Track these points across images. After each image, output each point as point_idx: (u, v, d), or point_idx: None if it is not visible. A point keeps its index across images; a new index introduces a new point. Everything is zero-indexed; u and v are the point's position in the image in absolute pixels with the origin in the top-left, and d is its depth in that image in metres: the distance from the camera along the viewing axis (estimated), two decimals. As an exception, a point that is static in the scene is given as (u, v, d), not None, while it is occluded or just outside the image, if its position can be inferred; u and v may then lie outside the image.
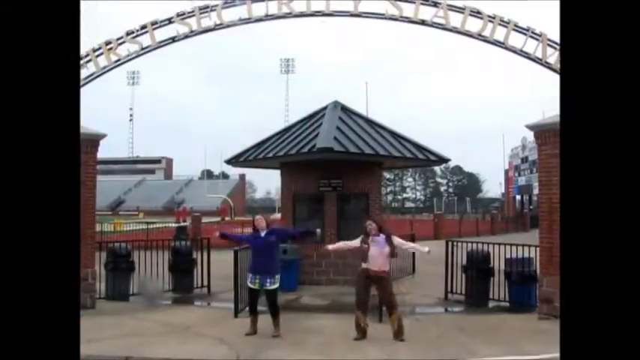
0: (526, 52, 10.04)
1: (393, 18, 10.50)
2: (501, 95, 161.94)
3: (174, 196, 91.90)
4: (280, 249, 8.54)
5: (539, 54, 9.91)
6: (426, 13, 10.40)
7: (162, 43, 10.72)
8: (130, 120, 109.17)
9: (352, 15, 10.73)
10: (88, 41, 10.54)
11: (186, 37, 10.75)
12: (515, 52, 10.11)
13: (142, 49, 10.64)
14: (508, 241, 11.42)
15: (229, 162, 14.76)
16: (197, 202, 77.39)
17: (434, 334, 8.33)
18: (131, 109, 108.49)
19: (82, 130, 9.87)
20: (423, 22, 10.43)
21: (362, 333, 7.88)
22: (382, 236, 8.02)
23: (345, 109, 14.32)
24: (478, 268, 10.85)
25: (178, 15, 10.61)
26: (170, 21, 10.62)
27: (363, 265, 7.99)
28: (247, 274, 8.44)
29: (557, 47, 9.67)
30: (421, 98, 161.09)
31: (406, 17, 10.47)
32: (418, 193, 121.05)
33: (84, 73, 10.46)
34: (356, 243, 8.18)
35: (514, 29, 10.05)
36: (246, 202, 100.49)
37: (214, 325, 8.84)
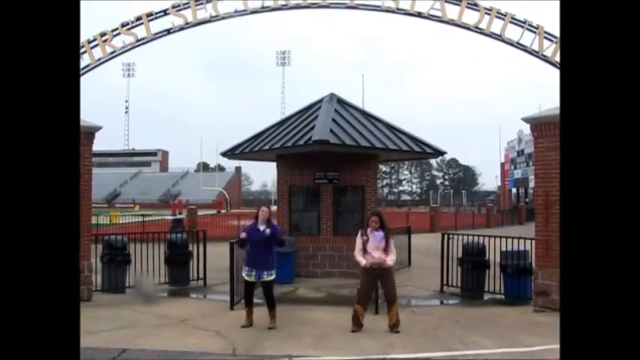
0: (523, 45, 10.03)
1: (389, 10, 10.48)
2: (498, 88, 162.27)
3: (170, 188, 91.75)
4: (276, 242, 8.49)
5: (535, 47, 9.91)
6: (423, 5, 10.41)
7: (157, 35, 10.68)
8: (126, 112, 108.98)
9: (348, 7, 10.71)
10: (82, 33, 10.47)
11: (181, 28, 10.71)
12: (512, 44, 10.11)
13: (137, 40, 10.60)
14: (504, 234, 11.46)
15: (225, 154, 14.74)
16: (193, 195, 77.30)
17: (430, 326, 8.35)
18: (127, 101, 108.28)
19: (77, 123, 9.88)
20: (419, 15, 10.42)
21: (359, 326, 7.90)
22: (381, 232, 8.04)
23: (341, 101, 14.30)
24: (474, 260, 10.89)
25: (174, 7, 10.56)
26: (165, 13, 10.58)
27: (364, 262, 7.99)
28: (243, 266, 8.44)
29: (554, 40, 9.68)
30: (417, 91, 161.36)
31: (403, 9, 10.45)
32: (414, 186, 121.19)
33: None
34: (359, 241, 8.16)
35: (511, 22, 10.05)
36: (242, 194, 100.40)
37: (210, 317, 8.85)
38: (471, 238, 11.35)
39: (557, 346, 3.43)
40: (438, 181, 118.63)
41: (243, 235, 8.34)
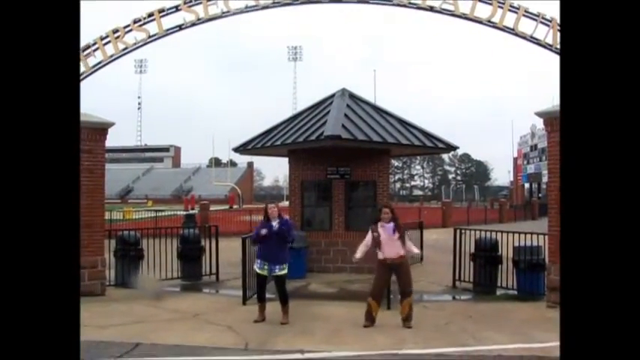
0: (536, 39, 9.93)
1: (401, 4, 10.42)
2: (511, 82, 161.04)
3: (182, 184, 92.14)
4: (286, 239, 8.50)
5: (549, 40, 9.80)
6: (435, -1, 10.31)
7: (169, 31, 10.71)
8: (139, 108, 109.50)
9: (360, 1, 10.67)
10: (95, 29, 10.55)
11: (193, 24, 10.72)
12: (525, 38, 10.01)
13: (149, 37, 10.64)
14: (516, 229, 11.39)
15: (237, 150, 14.75)
16: (205, 190, 77.55)
17: (442, 321, 8.34)
18: (139, 97, 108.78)
19: (90, 119, 9.98)
20: (431, 9, 10.35)
21: (371, 321, 7.90)
22: (392, 224, 8.02)
23: (353, 96, 14.25)
24: (486, 256, 10.84)
25: (185, 3, 10.58)
26: (177, 9, 10.60)
27: (380, 256, 8.00)
28: (256, 259, 8.47)
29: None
30: (429, 86, 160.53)
31: (414, 4, 10.39)
32: (426, 181, 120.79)
33: (91, 61, 10.49)
34: (369, 236, 8.16)
35: (524, 15, 9.95)
36: (254, 189, 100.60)
37: (223, 312, 8.89)
38: (483, 233, 11.29)
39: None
40: (450, 176, 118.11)
41: (264, 231, 8.21)
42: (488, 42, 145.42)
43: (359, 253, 8.18)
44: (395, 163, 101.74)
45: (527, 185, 71.08)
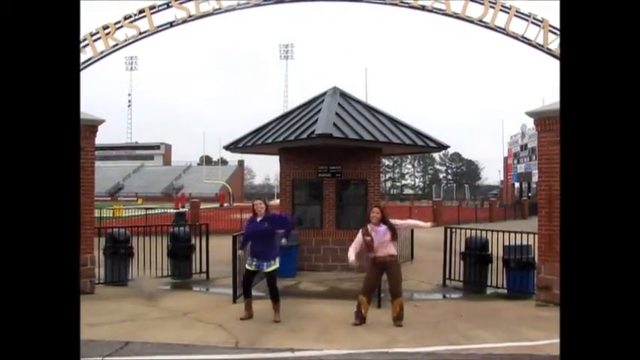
0: (527, 39, 9.96)
1: (392, 3, 10.42)
2: (501, 82, 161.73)
3: (173, 182, 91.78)
4: (278, 235, 8.49)
5: (540, 40, 9.84)
6: (427, -2, 10.32)
7: (160, 28, 10.64)
8: (129, 106, 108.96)
9: (352, 0, 10.64)
10: (85, 26, 10.45)
11: (184, 22, 10.66)
12: (516, 38, 10.04)
13: (140, 33, 10.56)
14: (506, 229, 11.44)
15: (228, 148, 14.72)
16: (196, 188, 77.33)
17: (432, 320, 8.36)
18: (129, 94, 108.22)
19: (80, 116, 9.88)
20: (423, 8, 10.36)
21: (361, 319, 7.90)
22: (383, 227, 8.01)
23: (344, 95, 14.26)
24: (476, 254, 10.89)
25: (176, 0, 10.51)
26: (168, 5, 10.54)
27: (371, 255, 8.01)
28: (247, 257, 8.47)
29: (559, 33, 9.61)
30: (420, 85, 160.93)
31: (406, 2, 10.40)
32: (417, 180, 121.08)
33: (81, 57, 10.39)
34: (360, 239, 8.14)
35: (515, 15, 9.97)
36: (245, 188, 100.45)
37: (213, 310, 8.87)
38: (473, 232, 11.33)
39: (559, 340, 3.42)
40: (441, 175, 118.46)
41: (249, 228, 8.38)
42: (479, 42, 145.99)
43: (352, 256, 8.04)
44: (386, 162, 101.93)
45: (517, 185, 71.45)
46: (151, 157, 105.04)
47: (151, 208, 30.79)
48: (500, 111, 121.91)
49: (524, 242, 10.36)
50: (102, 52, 10.47)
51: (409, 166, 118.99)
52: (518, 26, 10.02)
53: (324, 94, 14.31)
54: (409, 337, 7.33)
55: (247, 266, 8.34)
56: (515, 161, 70.07)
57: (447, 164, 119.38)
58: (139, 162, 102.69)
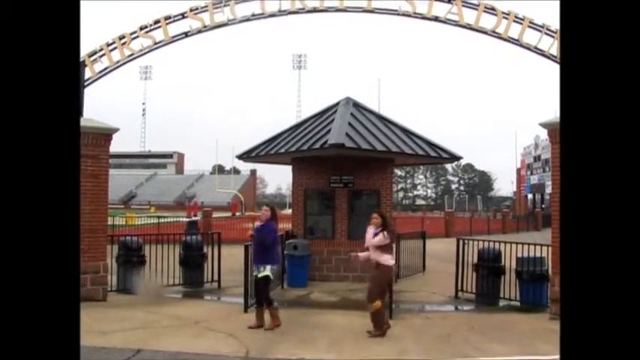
0: (541, 50, 9.94)
1: (406, 14, 10.46)
2: (514, 93, 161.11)
3: (185, 190, 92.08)
4: (276, 243, 8.59)
5: (554, 51, 9.81)
6: (440, 9, 10.34)
7: (175, 38, 10.75)
8: (143, 114, 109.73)
9: (365, 11, 10.68)
10: (101, 36, 10.62)
11: (199, 32, 10.77)
12: (529, 49, 10.02)
13: (155, 43, 10.68)
14: (519, 240, 11.35)
15: (241, 157, 14.78)
16: (208, 197, 77.56)
17: (444, 332, 8.29)
18: (144, 103, 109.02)
19: (95, 124, 10.02)
20: (436, 19, 10.37)
21: (381, 328, 7.81)
22: (376, 230, 8.03)
23: (357, 105, 14.28)
24: (489, 266, 10.79)
25: (191, 10, 10.63)
26: (183, 16, 10.65)
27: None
28: None
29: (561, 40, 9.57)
30: (433, 95, 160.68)
31: (419, 14, 10.42)
32: (429, 191, 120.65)
33: (98, 67, 10.54)
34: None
35: (529, 26, 9.96)
36: (257, 197, 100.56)
37: (224, 319, 8.87)
38: (486, 243, 11.25)
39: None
40: (453, 186, 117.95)
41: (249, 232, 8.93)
42: (492, 52, 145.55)
43: (363, 256, 8.29)
44: (398, 172, 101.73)
45: (530, 196, 70.95)
46: (163, 166, 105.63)
47: (164, 217, 30.91)
48: (514, 122, 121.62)
49: (538, 254, 10.26)
50: (118, 62, 10.60)
51: (421, 176, 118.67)
52: (531, 37, 10.01)
53: (337, 104, 14.34)
54: (420, 349, 7.29)
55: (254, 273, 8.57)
56: (529, 172, 69.63)
57: (460, 175, 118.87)
58: (152, 170, 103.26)
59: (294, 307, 10.17)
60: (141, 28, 10.65)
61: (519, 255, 10.43)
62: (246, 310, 9.29)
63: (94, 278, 9.87)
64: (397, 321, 8.25)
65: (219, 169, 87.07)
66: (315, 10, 10.72)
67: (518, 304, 10.29)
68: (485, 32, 10.22)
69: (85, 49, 9.77)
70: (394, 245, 8.50)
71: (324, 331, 8.16)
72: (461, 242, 11.57)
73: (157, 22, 10.64)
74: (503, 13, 10.05)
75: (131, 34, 10.63)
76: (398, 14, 10.51)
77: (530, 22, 9.96)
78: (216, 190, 74.42)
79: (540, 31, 9.91)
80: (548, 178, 53.63)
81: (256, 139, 14.70)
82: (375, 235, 8.02)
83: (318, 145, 12.33)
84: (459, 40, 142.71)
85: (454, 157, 14.29)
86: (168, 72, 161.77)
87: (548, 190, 53.16)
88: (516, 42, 10.06)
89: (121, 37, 10.60)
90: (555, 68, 9.83)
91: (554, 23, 9.84)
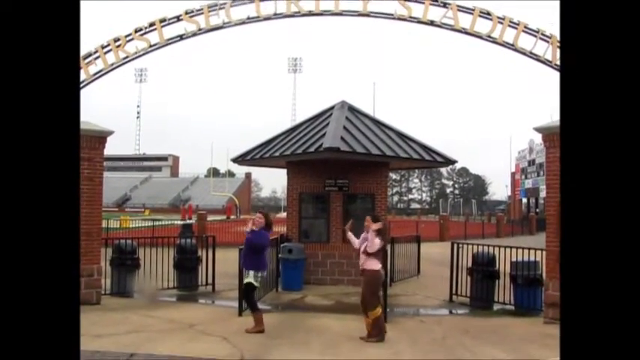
0: (536, 54, 9.98)
1: (401, 18, 10.48)
2: (509, 97, 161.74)
3: (180, 193, 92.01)
4: (256, 248, 8.54)
5: (549, 56, 9.85)
6: (436, 13, 10.38)
7: (170, 41, 10.74)
8: (137, 117, 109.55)
9: (361, 15, 10.71)
10: (96, 38, 10.59)
11: (194, 34, 10.76)
12: (524, 53, 10.06)
13: (150, 46, 10.67)
14: (514, 244, 11.37)
15: (235, 160, 14.76)
16: (203, 200, 77.55)
17: (439, 335, 8.29)
18: (138, 106, 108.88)
19: (89, 127, 9.97)
20: (431, 23, 10.40)
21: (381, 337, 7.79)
22: (367, 235, 8.03)
23: (352, 109, 14.29)
24: (483, 270, 10.80)
25: (187, 13, 10.63)
26: (178, 19, 10.65)
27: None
28: None
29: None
30: (428, 99, 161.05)
31: (415, 17, 10.45)
32: (424, 195, 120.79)
33: (92, 69, 10.51)
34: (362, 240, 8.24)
35: (524, 31, 10.00)
36: (252, 200, 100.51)
37: (218, 323, 8.84)
38: (480, 247, 11.27)
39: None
40: (448, 190, 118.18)
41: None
42: (487, 57, 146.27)
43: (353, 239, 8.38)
44: (393, 176, 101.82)
45: (524, 200, 71.20)
46: (158, 169, 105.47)
47: (158, 220, 30.85)
48: (508, 126, 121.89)
49: (532, 258, 10.29)
50: (112, 64, 10.58)
51: (416, 180, 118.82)
52: (526, 42, 10.06)
53: (332, 107, 14.35)
54: (415, 352, 7.28)
55: None
56: (523, 177, 69.93)
57: (455, 179, 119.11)
58: (147, 173, 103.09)
59: (289, 311, 10.15)
60: (136, 31, 10.64)
61: (514, 259, 10.45)
62: (240, 314, 9.26)
63: (88, 281, 9.82)
64: (392, 324, 8.25)
65: (214, 172, 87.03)
66: (310, 14, 10.73)
67: (512, 308, 10.31)
68: (480, 37, 10.26)
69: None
70: (387, 249, 8.46)
71: (318, 334, 8.14)
72: (455, 246, 11.58)
73: (152, 24, 10.63)
74: (498, 17, 10.09)
75: (126, 36, 10.61)
76: (393, 18, 10.54)
77: (525, 27, 10.00)
78: (211, 193, 74.43)
79: (535, 36, 9.95)
80: (542, 182, 53.93)
81: (251, 142, 14.68)
82: (369, 241, 7.99)
83: (313, 149, 12.33)
84: (455, 44, 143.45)
85: (449, 161, 14.31)
86: (164, 75, 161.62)
87: (543, 194, 53.43)
88: (511, 46, 10.10)
89: (116, 40, 10.58)
90: (550, 73, 9.89)
91: (549, 28, 9.94)
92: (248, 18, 10.70)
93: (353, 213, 13.30)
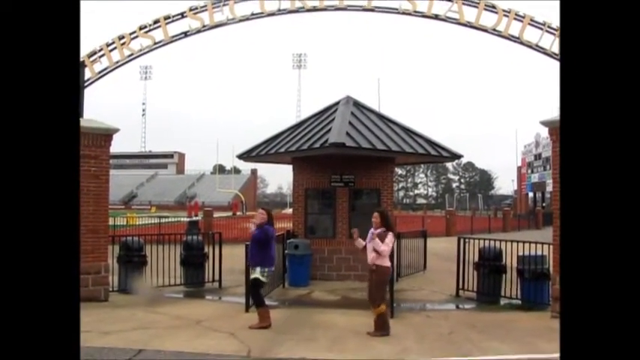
0: (542, 47, 9.92)
1: (406, 13, 10.45)
2: (515, 91, 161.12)
3: (186, 190, 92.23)
4: (260, 244, 8.53)
5: (554, 49, 9.79)
6: (440, 7, 10.35)
7: (174, 38, 10.75)
8: (143, 114, 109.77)
9: (365, 9, 10.68)
10: (100, 36, 10.61)
11: (198, 31, 10.76)
12: (530, 47, 10.00)
13: (155, 43, 10.68)
14: (520, 239, 11.33)
15: (241, 157, 14.77)
16: (209, 197, 77.68)
17: (445, 330, 8.29)
18: (144, 103, 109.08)
19: (95, 125, 10.01)
20: (436, 17, 10.36)
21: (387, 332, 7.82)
22: (378, 230, 8.02)
23: (357, 104, 14.26)
24: (490, 265, 10.77)
25: (191, 9, 10.62)
26: (183, 15, 10.65)
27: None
28: None
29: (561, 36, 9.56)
30: (434, 94, 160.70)
31: (420, 12, 10.41)
32: (430, 190, 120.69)
33: (97, 67, 10.53)
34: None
35: (530, 24, 9.94)
36: (258, 197, 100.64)
37: (225, 319, 8.86)
38: (487, 242, 11.23)
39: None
40: (454, 185, 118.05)
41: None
42: (493, 50, 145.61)
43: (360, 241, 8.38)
44: (399, 171, 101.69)
45: (531, 194, 70.95)
46: (164, 166, 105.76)
47: (164, 217, 30.93)
48: (514, 120, 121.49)
49: (539, 253, 10.25)
50: (117, 62, 10.60)
51: (422, 175, 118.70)
52: (532, 35, 10.00)
53: (338, 103, 14.32)
54: (422, 347, 7.28)
55: None
56: (529, 171, 69.64)
57: (460, 174, 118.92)
58: (153, 170, 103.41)
59: (296, 307, 10.17)
60: (140, 28, 10.65)
61: (520, 253, 10.41)
62: (247, 310, 9.28)
63: (95, 279, 9.87)
64: (398, 320, 8.24)
65: (220, 169, 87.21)
66: (314, 9, 10.71)
67: (519, 302, 10.27)
68: (485, 30, 10.21)
69: (84, 50, 9.76)
70: (394, 245, 8.45)
71: (325, 330, 8.15)
72: (462, 241, 11.56)
73: (156, 21, 10.63)
74: (503, 10, 10.04)
75: (130, 34, 10.62)
76: (398, 13, 10.50)
77: (531, 20, 9.94)
78: (216, 189, 74.57)
79: (541, 29, 9.89)
80: (549, 176, 53.62)
81: (257, 138, 14.69)
82: (378, 235, 7.99)
83: (318, 145, 12.32)
84: (460, 38, 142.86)
85: (455, 156, 14.27)
86: (168, 72, 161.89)
87: (549, 188, 53.15)
88: (517, 40, 10.04)
89: (121, 37, 10.59)
90: (556, 66, 9.82)
91: (555, 21, 9.84)
92: (252, 14, 10.69)
93: (359, 208, 13.32)
